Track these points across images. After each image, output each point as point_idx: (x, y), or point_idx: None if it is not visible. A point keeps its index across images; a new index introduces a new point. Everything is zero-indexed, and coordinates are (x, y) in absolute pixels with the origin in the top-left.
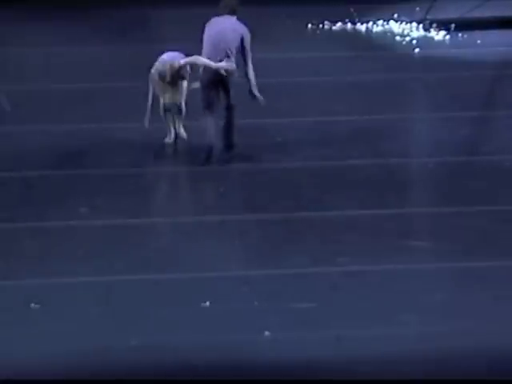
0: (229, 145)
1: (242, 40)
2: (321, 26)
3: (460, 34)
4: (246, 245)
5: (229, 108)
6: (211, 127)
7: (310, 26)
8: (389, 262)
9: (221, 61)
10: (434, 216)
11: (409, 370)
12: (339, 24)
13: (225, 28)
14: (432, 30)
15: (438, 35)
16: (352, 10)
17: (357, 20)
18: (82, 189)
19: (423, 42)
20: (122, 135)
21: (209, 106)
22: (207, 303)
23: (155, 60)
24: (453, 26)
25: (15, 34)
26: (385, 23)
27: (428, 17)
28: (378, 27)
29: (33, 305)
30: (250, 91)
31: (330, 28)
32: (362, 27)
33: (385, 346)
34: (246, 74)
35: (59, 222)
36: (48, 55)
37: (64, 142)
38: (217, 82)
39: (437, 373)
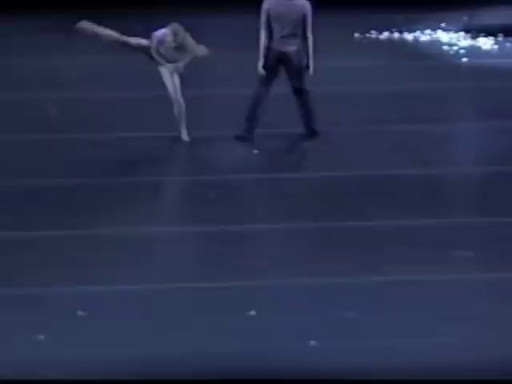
0: (308, 132)
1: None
2: (367, 34)
3: (508, 43)
4: (290, 253)
5: (296, 92)
6: (253, 102)
7: (356, 34)
8: (432, 272)
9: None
10: (478, 226)
11: (450, 379)
12: (386, 33)
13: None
14: (479, 39)
15: (486, 44)
16: (399, 18)
17: (404, 29)
18: (130, 197)
19: (471, 51)
20: (167, 144)
21: (261, 82)
22: (253, 312)
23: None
24: (501, 34)
25: (54, 43)
26: (432, 32)
27: (475, 26)
28: (425, 36)
29: (80, 312)
30: (307, 63)
31: (377, 37)
32: (409, 36)
33: (427, 356)
34: (305, 47)
35: (106, 230)
36: (87, 64)
37: (110, 150)
38: (277, 62)
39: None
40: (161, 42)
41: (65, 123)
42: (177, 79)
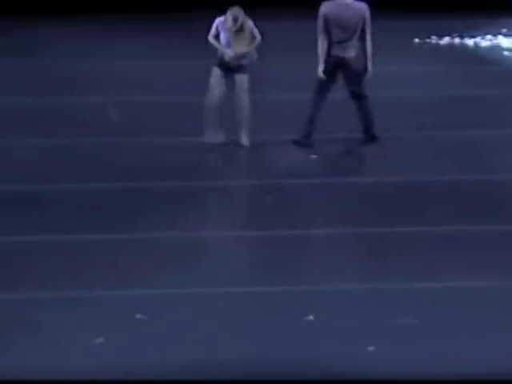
0: (367, 137)
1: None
2: (428, 40)
3: None
4: (349, 259)
5: (355, 97)
6: (312, 106)
7: (416, 40)
8: (492, 279)
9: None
10: None
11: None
12: (447, 38)
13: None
14: None
15: None
16: (460, 24)
17: (465, 34)
18: (184, 200)
19: None
20: (224, 148)
21: (320, 87)
22: (311, 317)
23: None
24: None
25: (106, 47)
26: (493, 38)
27: None
28: (486, 42)
29: (138, 315)
30: (365, 66)
31: (437, 42)
32: (469, 42)
33: (485, 364)
34: (364, 51)
35: (163, 234)
36: (140, 68)
37: (167, 154)
38: (336, 67)
39: None
40: (220, 27)
41: (118, 127)
42: (242, 78)
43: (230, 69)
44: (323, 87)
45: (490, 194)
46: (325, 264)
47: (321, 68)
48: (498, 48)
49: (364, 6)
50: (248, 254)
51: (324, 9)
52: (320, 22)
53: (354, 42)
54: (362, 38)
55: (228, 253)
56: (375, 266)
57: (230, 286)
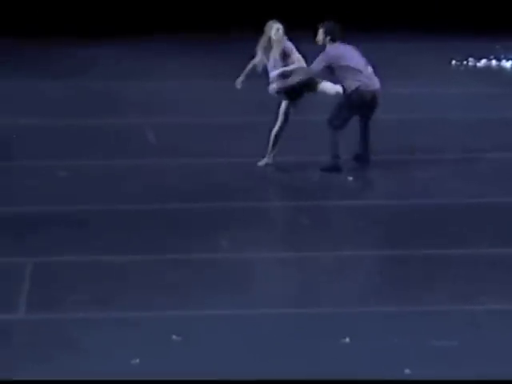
0: (367, 158)
1: None
2: (465, 62)
3: None
4: (387, 281)
5: (367, 125)
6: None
7: (453, 61)
8: None
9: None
10: None
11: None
12: (484, 60)
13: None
14: None
15: None
16: (498, 46)
17: (502, 56)
18: (224, 221)
19: None
20: (260, 170)
21: (342, 126)
22: (347, 339)
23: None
24: None
25: (154, 67)
26: None
27: None
28: None
29: (174, 337)
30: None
31: (475, 64)
32: (507, 64)
33: None
34: None
35: (201, 255)
36: (189, 88)
37: (205, 175)
38: (369, 102)
39: None
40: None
41: (159, 148)
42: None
43: None
44: None
45: None
46: (361, 286)
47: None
48: None
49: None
50: (285, 275)
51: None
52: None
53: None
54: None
55: (264, 273)
56: (412, 288)
57: (265, 308)
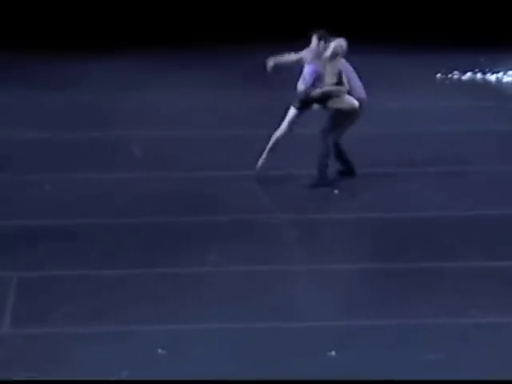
0: (353, 170)
1: None
2: (450, 75)
3: None
4: (376, 294)
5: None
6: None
7: (439, 75)
8: None
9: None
10: None
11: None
12: (469, 74)
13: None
14: None
15: None
16: (482, 59)
17: (487, 70)
18: (210, 235)
19: None
20: (248, 183)
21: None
22: (333, 352)
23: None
24: None
25: (154, 79)
26: None
27: None
28: (508, 77)
29: (160, 350)
30: None
31: (460, 77)
32: (492, 77)
33: None
34: None
35: (188, 269)
36: (185, 102)
37: (189, 188)
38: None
39: None
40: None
41: (148, 162)
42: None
43: None
44: None
45: None
46: (350, 299)
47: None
48: None
49: None
50: (271, 288)
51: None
52: None
53: None
54: None
55: (250, 287)
56: (402, 301)
57: (252, 322)
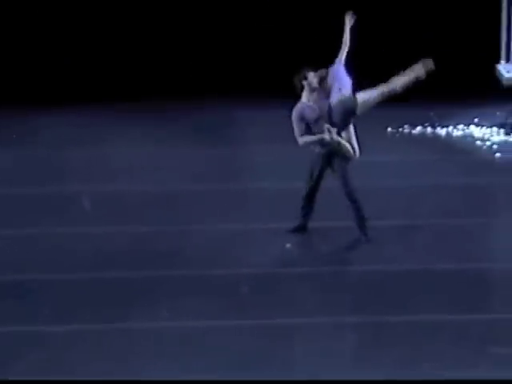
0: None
1: None
2: (400, 129)
3: None
4: (324, 348)
5: None
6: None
7: (389, 129)
8: (471, 369)
9: None
10: None
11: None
12: (419, 128)
13: None
14: None
15: None
16: (432, 114)
17: (437, 124)
18: (164, 290)
19: (504, 146)
20: (199, 238)
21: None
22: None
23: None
24: None
25: (111, 134)
26: (465, 127)
27: (509, 121)
28: (458, 131)
29: None
30: None
31: (410, 132)
32: (442, 131)
33: None
34: None
35: (141, 324)
36: (136, 156)
37: (143, 243)
38: None
39: None
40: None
41: (102, 216)
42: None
43: None
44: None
45: (469, 282)
46: (304, 355)
47: None
48: (469, 137)
49: None
50: (226, 343)
51: None
52: None
53: None
54: None
55: (202, 342)
56: (358, 356)
57: (202, 375)
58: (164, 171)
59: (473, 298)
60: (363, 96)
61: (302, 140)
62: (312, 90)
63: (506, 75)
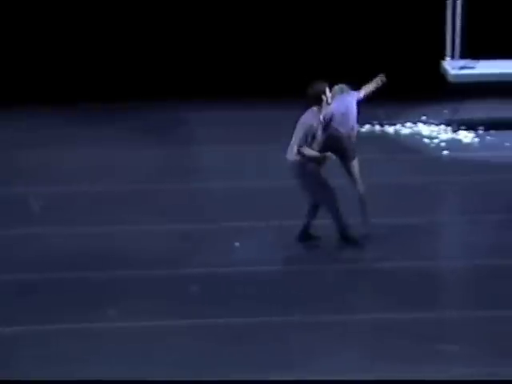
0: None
1: None
2: None
3: (488, 136)
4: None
5: None
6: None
7: None
8: (418, 369)
9: None
10: (465, 320)
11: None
12: (367, 126)
13: None
14: (460, 132)
15: (467, 137)
16: (380, 112)
17: (385, 122)
18: (110, 291)
19: (452, 144)
20: (147, 238)
21: None
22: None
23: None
24: (481, 127)
25: (60, 136)
26: (413, 125)
27: (456, 119)
28: (406, 129)
29: None
30: None
31: (358, 130)
32: (390, 129)
33: None
34: None
35: (87, 324)
36: (84, 158)
37: (91, 244)
38: None
39: None
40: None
41: (52, 217)
42: None
43: None
44: None
45: (417, 281)
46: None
47: None
48: (418, 135)
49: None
50: (171, 344)
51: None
52: None
53: None
54: None
55: (149, 343)
56: (310, 356)
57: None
58: (113, 171)
59: (422, 297)
60: None
61: (303, 151)
62: (327, 105)
63: (452, 72)
